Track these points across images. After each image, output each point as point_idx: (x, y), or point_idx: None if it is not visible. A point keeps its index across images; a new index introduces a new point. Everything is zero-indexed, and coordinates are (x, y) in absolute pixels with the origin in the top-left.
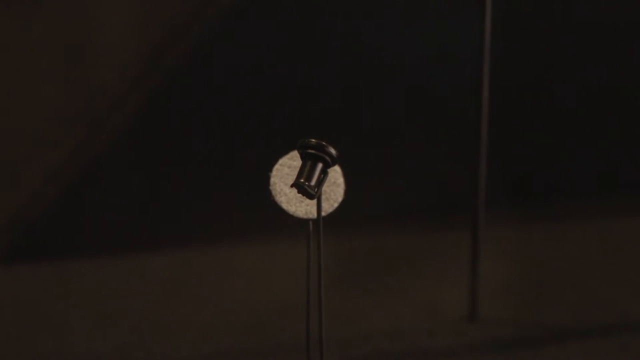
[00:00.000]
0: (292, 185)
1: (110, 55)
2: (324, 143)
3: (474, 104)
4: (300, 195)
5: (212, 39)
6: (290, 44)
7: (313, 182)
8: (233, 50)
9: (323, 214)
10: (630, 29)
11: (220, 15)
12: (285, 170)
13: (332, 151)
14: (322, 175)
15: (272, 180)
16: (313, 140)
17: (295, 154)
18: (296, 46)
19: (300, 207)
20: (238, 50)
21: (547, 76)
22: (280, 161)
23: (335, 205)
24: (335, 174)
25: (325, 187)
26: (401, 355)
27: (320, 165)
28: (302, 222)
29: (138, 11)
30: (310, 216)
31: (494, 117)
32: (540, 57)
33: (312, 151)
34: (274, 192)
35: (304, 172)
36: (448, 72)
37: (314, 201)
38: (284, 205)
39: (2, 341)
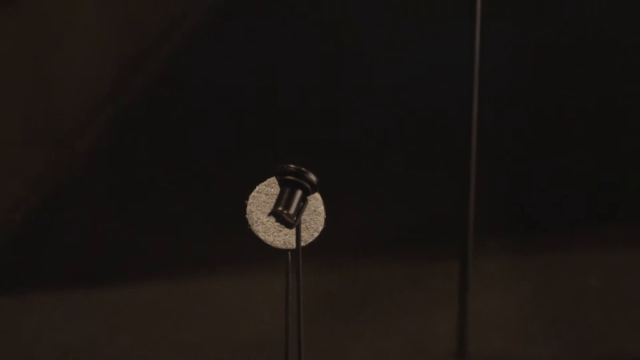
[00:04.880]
0: (269, 214)
1: (78, 76)
2: (303, 169)
3: (463, 131)
4: (278, 224)
5: (185, 58)
6: (268, 64)
7: (292, 211)
8: (208, 70)
9: (303, 243)
10: (621, 51)
11: (193, 34)
12: (263, 197)
13: (312, 177)
14: (302, 203)
15: (248, 208)
16: (292, 165)
17: (273, 181)
18: (274, 67)
19: (278, 236)
20: (214, 71)
21: (539, 103)
22: (258, 188)
23: (316, 234)
24: (316, 201)
25: (304, 216)
26: None
27: (299, 193)
28: (281, 253)
29: (108, 30)
30: (289, 246)
31: (484, 145)
32: (531, 82)
33: (291, 177)
34: (250, 221)
35: (283, 200)
36: (437, 97)
37: (293, 230)
38: (261, 235)
39: None
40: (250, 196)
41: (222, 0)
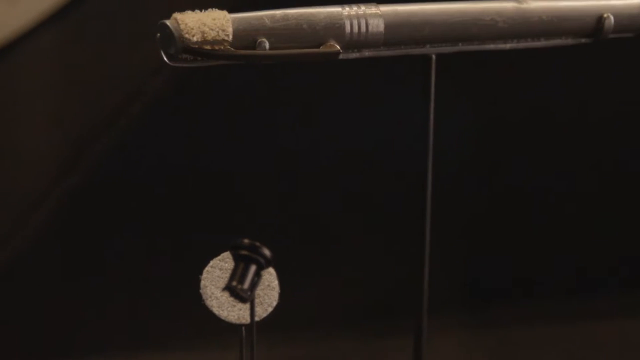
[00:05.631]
0: (224, 289)
1: (32, 151)
2: (257, 244)
3: (417, 205)
4: (232, 299)
5: (138, 136)
6: (221, 140)
7: (246, 285)
8: (160, 148)
9: (256, 318)
10: (574, 125)
11: (145, 112)
12: (217, 272)
13: (266, 252)
14: (256, 278)
15: (202, 283)
16: (246, 240)
17: (227, 255)
18: (227, 143)
19: (232, 311)
20: (165, 148)
21: (493, 175)
22: (212, 263)
23: (270, 309)
24: (270, 276)
25: (258, 291)
26: None
27: (253, 268)
28: (235, 328)
29: (59, 106)
30: (243, 321)
31: (439, 218)
32: (486, 153)
33: (245, 252)
34: (204, 296)
35: (237, 275)
36: (389, 170)
37: (247, 305)
38: (215, 310)
39: None
40: (205, 271)
41: (177, 76)
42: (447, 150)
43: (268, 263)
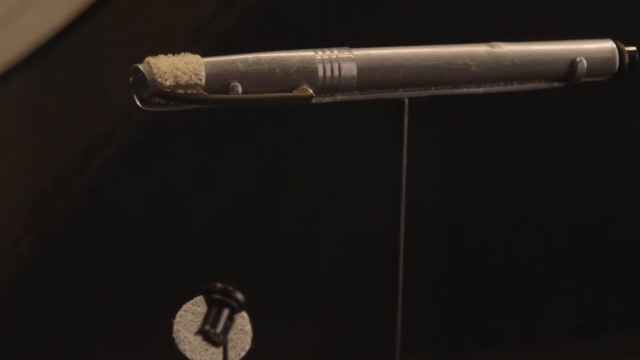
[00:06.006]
0: (196, 333)
1: (1, 197)
2: (230, 288)
3: (390, 254)
4: (205, 343)
5: (110, 180)
6: (194, 183)
7: (219, 330)
8: (132, 192)
9: None
10: (546, 171)
11: (118, 156)
12: (190, 316)
13: (239, 296)
14: (229, 322)
15: (175, 327)
16: (219, 284)
17: (200, 299)
18: (200, 186)
19: (205, 355)
20: (137, 192)
21: (465, 224)
22: (184, 307)
23: (243, 353)
24: (243, 320)
25: (231, 335)
26: None
27: (226, 312)
28: None
29: (31, 152)
30: None
31: (412, 267)
32: (458, 202)
33: (218, 296)
34: (177, 340)
35: (209, 319)
36: (363, 214)
37: (220, 349)
38: (188, 354)
39: None
40: (177, 315)
41: (148, 122)
42: (421, 194)
43: (241, 307)
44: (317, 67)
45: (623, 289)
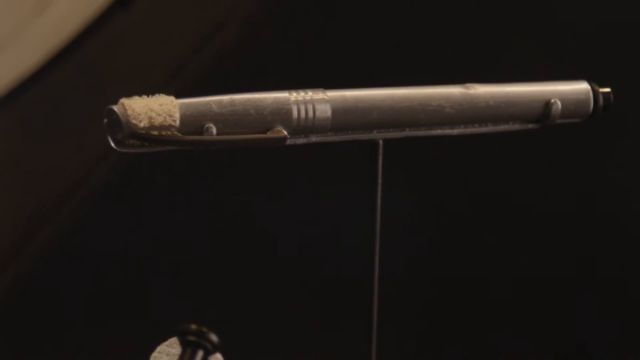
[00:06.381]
0: None
1: None
2: (204, 329)
3: (364, 306)
4: None
5: (84, 222)
6: (166, 226)
7: None
8: (106, 234)
9: None
10: (520, 219)
11: (92, 198)
12: (164, 358)
13: (214, 338)
14: None
15: None
16: (193, 326)
17: (174, 341)
18: (172, 228)
19: None
20: (111, 234)
21: (441, 274)
22: (159, 348)
23: None
24: None
25: None
26: None
27: (200, 353)
28: None
29: (4, 193)
30: None
31: (386, 317)
32: (432, 244)
33: (192, 338)
34: None
35: None
36: (336, 257)
37: None
38: None
39: None
40: (152, 357)
41: (123, 163)
42: (396, 235)
43: (215, 349)
44: (291, 109)
45: (600, 329)
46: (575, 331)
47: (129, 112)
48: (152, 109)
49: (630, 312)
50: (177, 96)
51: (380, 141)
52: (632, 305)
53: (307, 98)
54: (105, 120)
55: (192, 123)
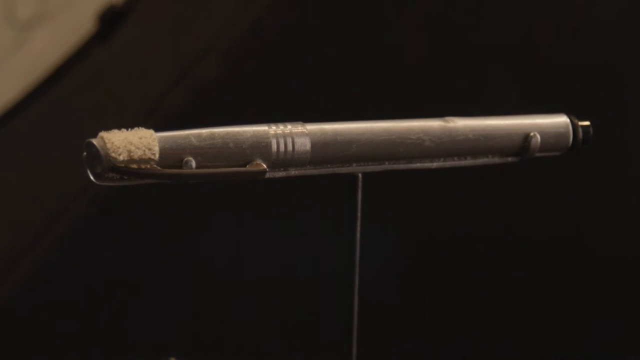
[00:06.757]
0: None
1: None
2: None
3: (344, 326)
4: None
5: (63, 256)
6: (146, 259)
7: None
8: (85, 268)
9: None
10: (499, 249)
11: (71, 232)
12: None
13: None
14: None
15: None
16: (172, 359)
17: None
18: (152, 262)
19: None
20: (90, 268)
21: (423, 303)
22: None
23: None
24: None
25: None
26: None
27: None
28: None
29: None
30: None
31: (367, 338)
32: (411, 277)
33: None
34: None
35: None
36: (316, 291)
37: None
38: None
39: None
40: None
41: (102, 197)
42: (375, 268)
43: None
44: (270, 142)
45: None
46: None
47: (109, 145)
48: (132, 143)
49: (601, 342)
50: (157, 129)
51: (360, 174)
52: (606, 333)
53: (286, 131)
54: (85, 153)
55: (172, 156)
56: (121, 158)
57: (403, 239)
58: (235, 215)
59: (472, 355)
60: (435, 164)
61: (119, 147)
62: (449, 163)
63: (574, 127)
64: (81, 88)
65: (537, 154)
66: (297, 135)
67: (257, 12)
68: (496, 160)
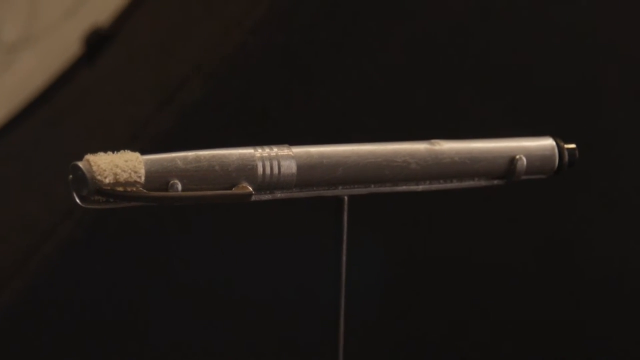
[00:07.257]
0: None
1: None
2: None
3: (329, 350)
4: None
5: (48, 279)
6: (132, 283)
7: None
8: (71, 291)
9: None
10: (485, 270)
11: (57, 255)
12: None
13: None
14: None
15: None
16: None
17: None
18: (138, 286)
19: None
20: (76, 291)
21: (408, 326)
22: None
23: None
24: None
25: None
26: None
27: None
28: None
29: None
30: None
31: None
32: (398, 301)
33: None
34: None
35: None
36: (300, 315)
37: None
38: None
39: None
40: None
41: (88, 220)
42: (361, 291)
43: None
44: (256, 165)
45: None
46: None
47: (94, 168)
48: (117, 165)
49: None
50: (143, 152)
51: (346, 197)
52: (594, 355)
53: (272, 154)
54: (70, 176)
55: (157, 179)
56: (107, 181)
57: (389, 261)
58: (221, 238)
59: None
60: (421, 187)
61: (104, 170)
62: (435, 186)
63: (560, 150)
64: (67, 111)
65: (523, 177)
66: (282, 158)
67: (242, 36)
68: (482, 183)
